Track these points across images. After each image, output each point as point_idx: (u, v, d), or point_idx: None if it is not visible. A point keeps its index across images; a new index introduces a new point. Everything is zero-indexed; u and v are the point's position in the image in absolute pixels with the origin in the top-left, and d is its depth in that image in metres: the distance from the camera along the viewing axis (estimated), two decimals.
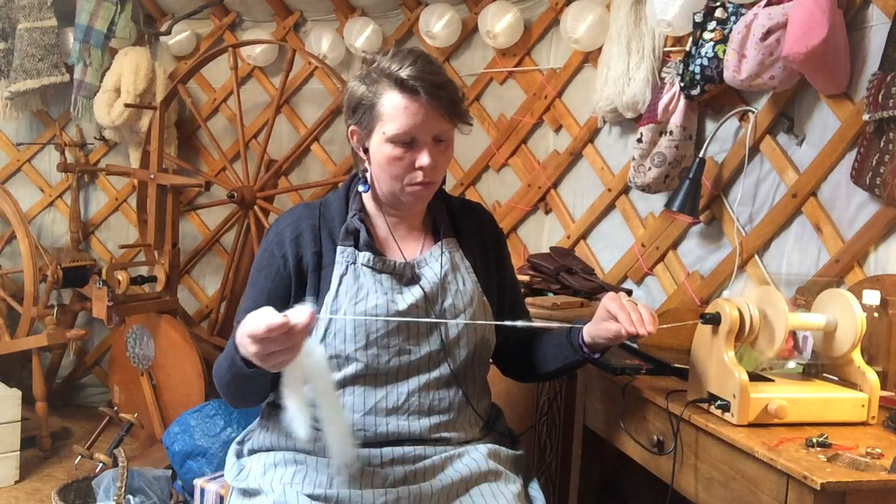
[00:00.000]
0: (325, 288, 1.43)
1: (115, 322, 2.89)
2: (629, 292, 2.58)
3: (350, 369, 1.40)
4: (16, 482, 2.86)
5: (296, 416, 1.20)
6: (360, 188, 1.49)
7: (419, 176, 1.39)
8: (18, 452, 2.87)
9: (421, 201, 1.47)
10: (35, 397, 3.10)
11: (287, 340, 1.10)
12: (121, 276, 2.92)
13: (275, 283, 1.44)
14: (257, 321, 1.09)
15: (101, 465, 2.64)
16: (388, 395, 1.41)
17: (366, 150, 1.44)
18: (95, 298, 2.87)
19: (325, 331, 1.40)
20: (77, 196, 3.72)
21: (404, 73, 1.34)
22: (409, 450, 1.40)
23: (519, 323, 1.45)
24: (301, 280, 1.44)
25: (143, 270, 3.26)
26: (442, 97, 1.36)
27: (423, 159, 1.37)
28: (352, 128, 1.44)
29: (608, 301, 1.40)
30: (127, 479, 2.28)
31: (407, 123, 1.35)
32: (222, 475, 1.73)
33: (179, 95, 3.35)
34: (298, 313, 1.10)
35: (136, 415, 2.81)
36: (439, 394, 1.44)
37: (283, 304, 1.41)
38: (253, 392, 1.39)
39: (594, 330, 1.44)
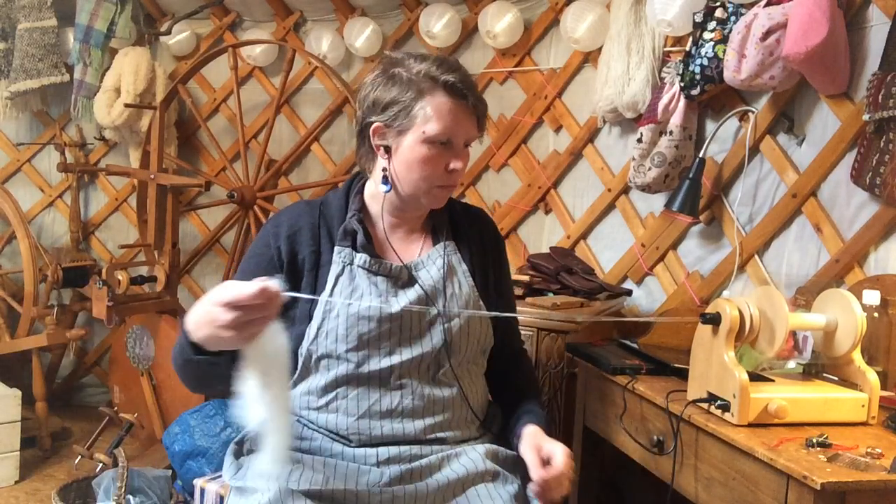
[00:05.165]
0: (321, 287, 1.43)
1: (115, 322, 2.89)
2: (629, 292, 2.58)
3: (341, 370, 1.40)
4: (16, 482, 2.86)
5: (251, 400, 1.16)
6: (382, 188, 1.45)
7: (449, 179, 1.43)
8: (18, 452, 2.87)
9: (439, 204, 1.49)
10: (35, 397, 3.10)
11: (264, 309, 1.10)
12: (121, 276, 2.91)
13: (266, 272, 1.41)
14: (236, 288, 1.09)
15: (101, 465, 2.64)
16: (381, 399, 1.40)
17: (388, 149, 1.43)
18: (95, 298, 2.87)
19: (318, 329, 1.40)
20: (77, 196, 3.72)
21: (452, 77, 1.39)
22: (405, 449, 1.40)
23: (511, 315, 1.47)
24: (293, 277, 1.44)
25: (143, 270, 3.26)
26: (482, 103, 1.45)
27: (457, 163, 1.43)
28: (376, 124, 1.42)
29: (552, 465, 1.38)
30: (127, 479, 2.27)
31: (450, 125, 1.39)
32: (222, 475, 1.73)
33: (179, 95, 3.35)
34: (270, 283, 1.10)
35: (136, 415, 2.81)
36: (434, 395, 1.43)
37: None
38: (208, 379, 1.35)
39: (525, 449, 1.43)
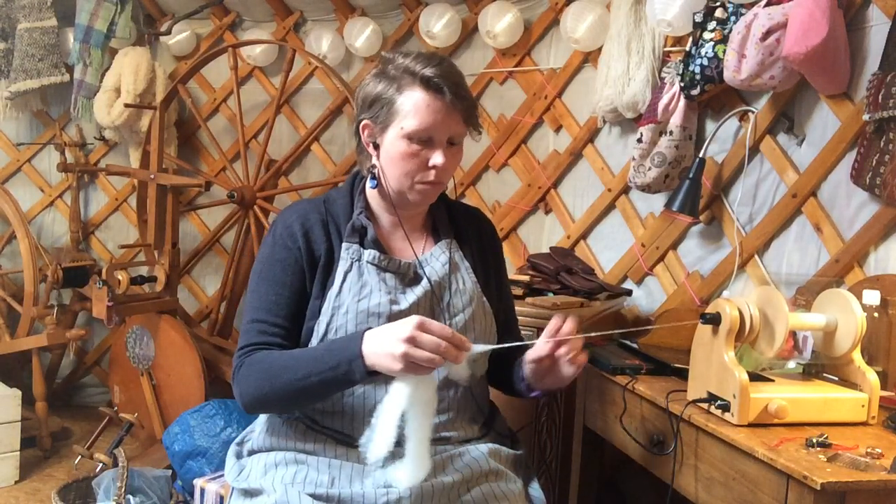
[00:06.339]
0: (330, 284, 1.43)
1: (115, 322, 2.89)
2: (629, 292, 2.58)
3: None
4: (16, 482, 2.86)
5: (381, 432, 1.26)
6: (369, 184, 1.47)
7: (431, 175, 1.41)
8: (18, 452, 2.87)
9: (427, 200, 1.48)
10: (35, 397, 3.10)
11: (445, 355, 1.22)
12: (121, 276, 2.91)
13: (294, 276, 1.43)
14: (438, 326, 1.22)
15: (101, 465, 2.64)
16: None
17: (376, 146, 1.44)
18: (95, 298, 2.87)
19: (327, 326, 1.40)
20: (77, 196, 3.72)
21: (429, 71, 1.37)
22: None
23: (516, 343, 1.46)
24: (311, 275, 1.44)
25: (143, 270, 3.26)
26: (464, 99, 1.39)
27: (437, 158, 1.39)
28: (365, 122, 1.44)
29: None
30: (127, 479, 2.27)
31: (427, 121, 1.37)
32: (222, 475, 1.74)
33: (179, 95, 3.35)
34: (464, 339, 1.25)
35: (136, 415, 2.81)
36: (439, 393, 1.43)
37: (302, 298, 1.42)
38: (312, 402, 1.40)
39: (530, 350, 1.43)
